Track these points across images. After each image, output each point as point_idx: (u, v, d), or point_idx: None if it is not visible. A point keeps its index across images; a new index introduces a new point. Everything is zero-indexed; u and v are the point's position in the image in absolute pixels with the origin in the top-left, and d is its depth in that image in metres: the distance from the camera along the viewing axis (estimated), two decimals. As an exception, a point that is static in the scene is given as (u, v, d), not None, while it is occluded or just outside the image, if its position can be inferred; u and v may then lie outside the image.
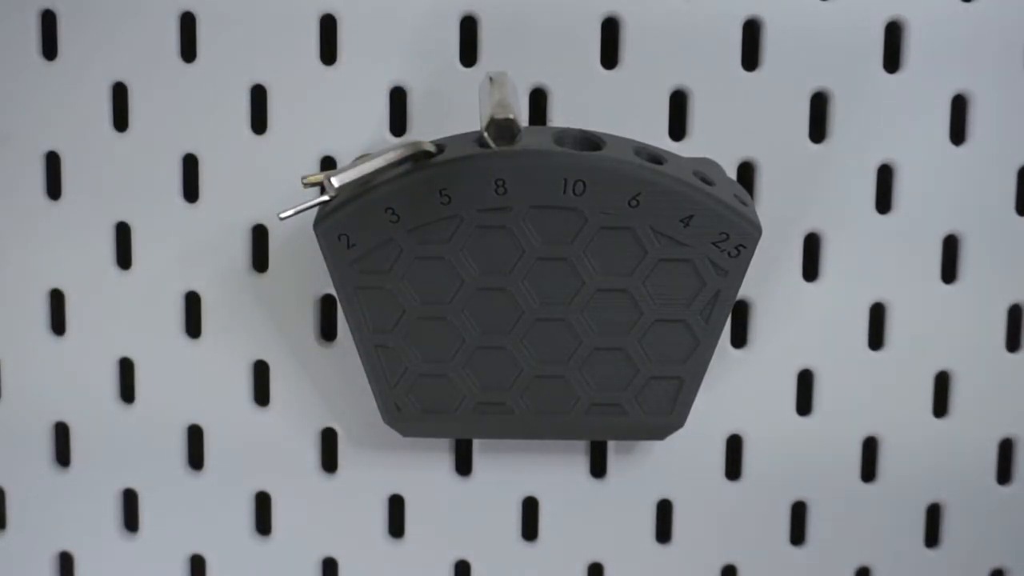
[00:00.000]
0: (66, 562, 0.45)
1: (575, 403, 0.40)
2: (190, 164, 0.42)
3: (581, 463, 0.44)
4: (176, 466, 0.44)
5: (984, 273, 0.42)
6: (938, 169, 0.42)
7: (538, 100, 0.42)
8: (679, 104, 0.42)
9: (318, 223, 0.38)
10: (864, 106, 0.41)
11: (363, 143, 0.42)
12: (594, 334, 0.39)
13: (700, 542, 0.44)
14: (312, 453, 0.44)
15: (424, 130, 0.41)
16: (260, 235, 0.43)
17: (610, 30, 0.41)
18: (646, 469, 0.44)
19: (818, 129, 0.42)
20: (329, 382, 0.43)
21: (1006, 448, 0.44)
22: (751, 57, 0.41)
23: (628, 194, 0.37)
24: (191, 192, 0.42)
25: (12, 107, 0.42)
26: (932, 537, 0.44)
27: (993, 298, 0.43)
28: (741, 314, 0.43)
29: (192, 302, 0.43)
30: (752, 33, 0.41)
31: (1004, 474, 0.44)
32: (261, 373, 0.44)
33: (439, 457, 0.44)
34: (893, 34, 0.41)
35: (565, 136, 0.39)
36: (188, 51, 0.41)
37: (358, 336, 0.39)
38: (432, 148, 0.38)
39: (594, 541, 0.44)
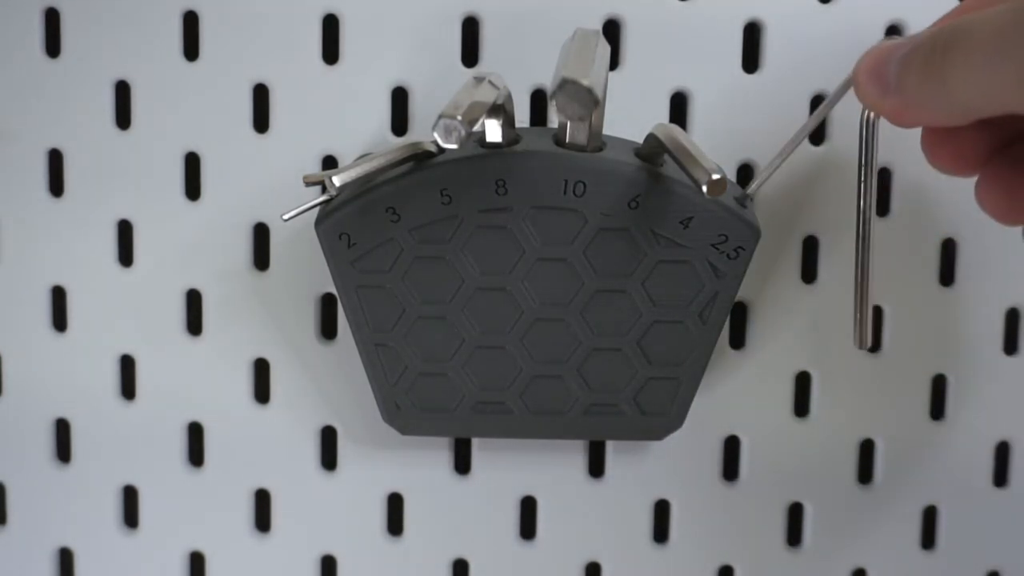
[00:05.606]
0: (66, 558, 0.45)
1: (573, 403, 0.40)
2: (192, 162, 0.42)
3: (579, 463, 0.44)
4: (176, 463, 0.44)
5: (981, 276, 0.43)
6: (937, 173, 0.42)
7: (539, 100, 0.42)
8: (679, 106, 0.42)
9: (319, 222, 0.38)
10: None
11: (364, 143, 0.42)
12: (593, 335, 0.39)
13: (697, 543, 0.45)
14: (312, 451, 0.44)
15: (425, 130, 0.41)
16: (261, 233, 0.43)
17: (611, 32, 0.41)
18: (644, 469, 0.44)
19: (817, 132, 0.42)
20: (329, 380, 0.43)
21: (1002, 451, 0.44)
22: (751, 60, 0.41)
23: (628, 195, 0.37)
24: (193, 190, 0.42)
25: (15, 104, 0.42)
26: (928, 539, 0.45)
27: (990, 301, 0.43)
28: (740, 316, 0.43)
29: (193, 299, 0.43)
30: (753, 36, 0.41)
31: (1000, 477, 0.44)
32: (261, 371, 0.44)
33: (438, 456, 0.44)
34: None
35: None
36: (191, 49, 0.42)
37: (358, 335, 0.39)
38: (433, 148, 0.38)
39: (592, 541, 0.45)
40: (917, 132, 0.41)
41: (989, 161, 0.33)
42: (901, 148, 0.42)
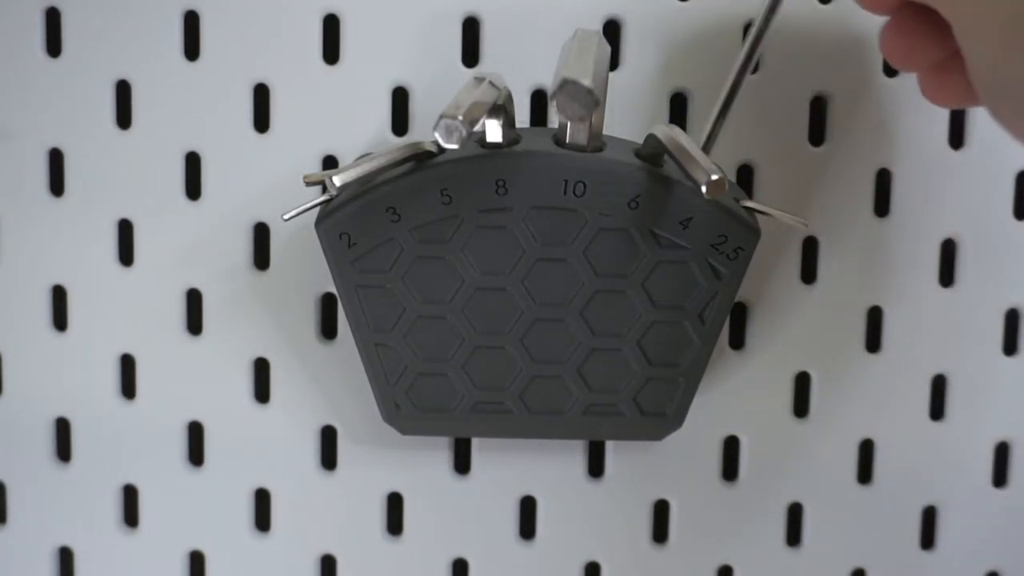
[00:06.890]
0: (66, 557, 0.45)
1: (572, 403, 0.40)
2: (192, 162, 0.42)
3: (579, 463, 0.44)
4: (176, 462, 0.44)
5: (981, 277, 0.43)
6: (936, 173, 0.42)
7: (539, 100, 0.42)
8: (679, 106, 0.42)
9: (319, 222, 0.38)
10: (863, 110, 0.42)
11: (365, 143, 0.42)
12: (592, 335, 0.39)
13: (696, 543, 0.45)
14: (312, 450, 0.44)
15: (425, 130, 0.41)
16: (262, 233, 0.43)
17: (611, 32, 0.41)
18: (644, 470, 0.44)
19: (817, 132, 0.42)
20: (329, 380, 0.43)
21: (1002, 451, 0.44)
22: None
23: (628, 196, 0.37)
24: (193, 190, 0.42)
25: (16, 104, 0.42)
26: (927, 539, 0.45)
27: (990, 302, 0.43)
28: (739, 316, 0.43)
29: (193, 299, 0.43)
30: (753, 36, 0.41)
31: (1000, 477, 0.44)
32: (262, 370, 0.44)
33: (438, 455, 0.44)
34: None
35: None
36: (191, 49, 0.42)
37: (358, 334, 0.39)
38: (433, 148, 0.38)
39: (591, 541, 0.45)
40: (918, 136, 0.42)
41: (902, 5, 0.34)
42: (901, 148, 0.42)
